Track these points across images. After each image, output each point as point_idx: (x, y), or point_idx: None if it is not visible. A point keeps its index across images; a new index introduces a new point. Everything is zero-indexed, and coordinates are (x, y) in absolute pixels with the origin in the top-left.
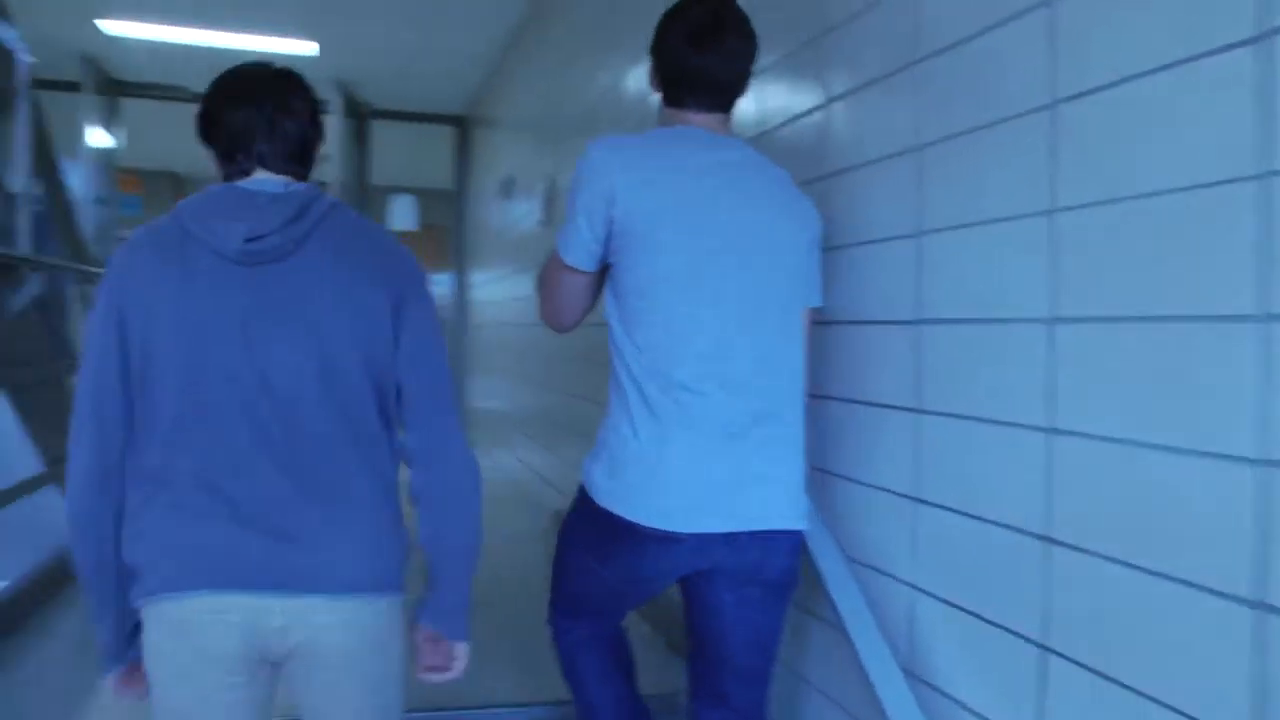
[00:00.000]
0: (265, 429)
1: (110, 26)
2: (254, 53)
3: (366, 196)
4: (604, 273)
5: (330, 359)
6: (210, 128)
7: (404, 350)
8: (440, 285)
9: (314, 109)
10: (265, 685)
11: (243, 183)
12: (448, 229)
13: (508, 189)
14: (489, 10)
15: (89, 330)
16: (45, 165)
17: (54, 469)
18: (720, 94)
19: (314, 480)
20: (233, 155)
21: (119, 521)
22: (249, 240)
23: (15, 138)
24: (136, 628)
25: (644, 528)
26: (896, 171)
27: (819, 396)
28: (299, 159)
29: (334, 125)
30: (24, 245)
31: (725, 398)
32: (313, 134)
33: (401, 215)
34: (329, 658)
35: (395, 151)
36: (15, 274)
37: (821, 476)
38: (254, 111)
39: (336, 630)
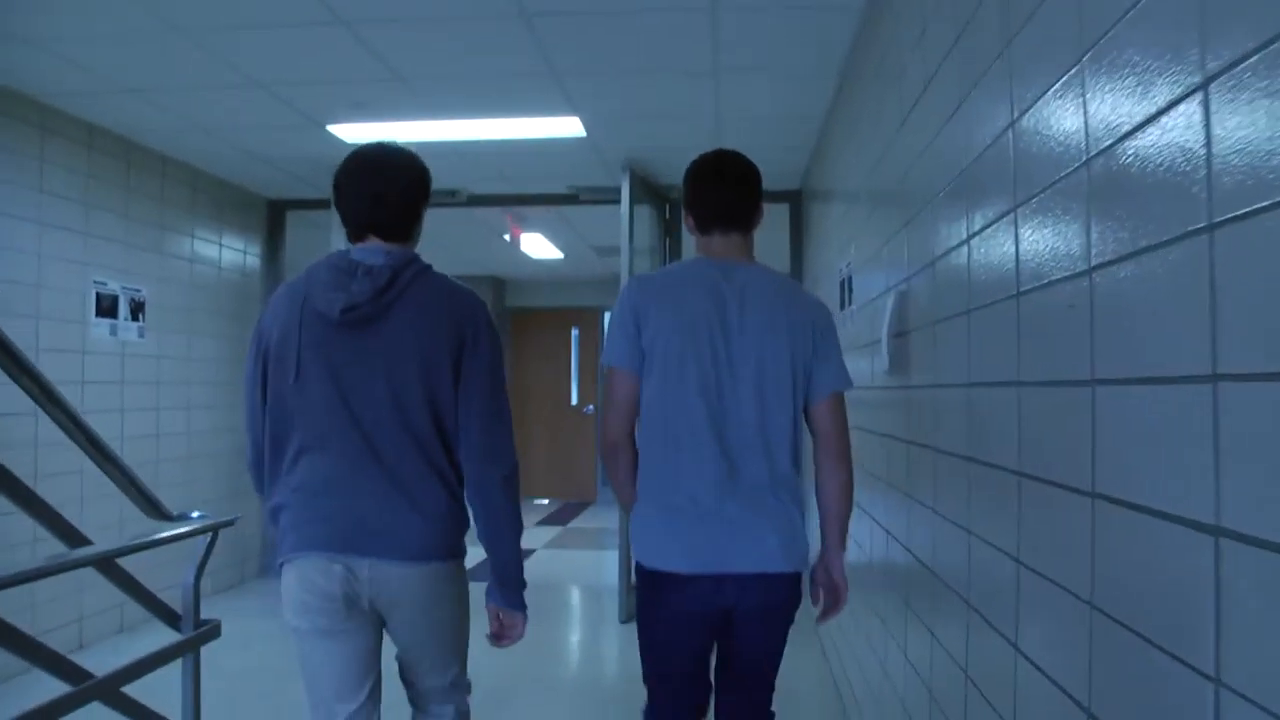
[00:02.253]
0: (357, 449)
1: (344, 132)
2: (519, 140)
3: None
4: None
5: (401, 398)
6: (337, 200)
7: (461, 388)
8: None
9: (415, 181)
10: (367, 624)
11: (353, 251)
12: None
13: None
14: (800, 83)
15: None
16: None
17: None
18: (731, 217)
19: (391, 483)
20: (348, 223)
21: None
22: (345, 310)
23: None
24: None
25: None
26: None
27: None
28: (400, 226)
29: (625, 212)
30: None
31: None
32: (412, 203)
33: None
34: (400, 603)
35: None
36: None
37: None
38: (360, 187)
39: (399, 582)
